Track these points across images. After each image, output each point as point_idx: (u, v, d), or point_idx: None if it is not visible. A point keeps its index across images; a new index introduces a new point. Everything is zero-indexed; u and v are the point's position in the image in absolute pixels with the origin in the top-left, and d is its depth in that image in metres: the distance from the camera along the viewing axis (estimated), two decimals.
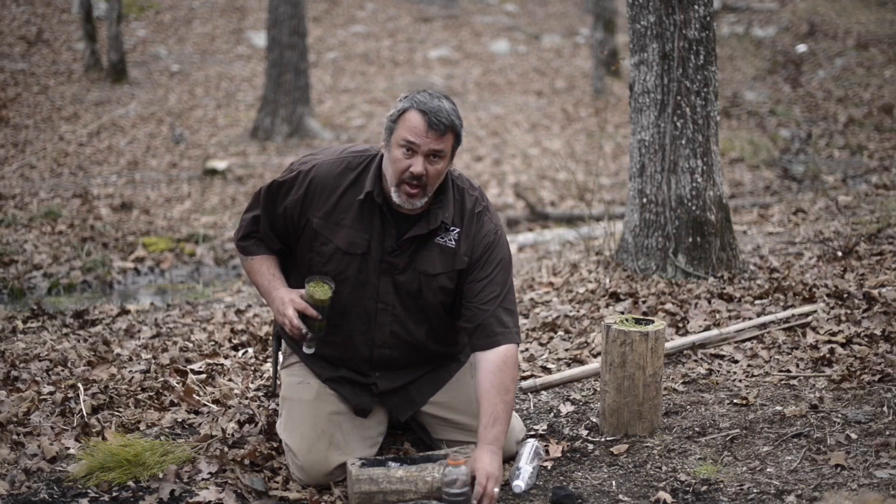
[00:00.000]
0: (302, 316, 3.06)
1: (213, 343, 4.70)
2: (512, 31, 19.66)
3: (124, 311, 5.56)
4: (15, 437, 3.43)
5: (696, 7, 4.80)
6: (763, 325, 4.28)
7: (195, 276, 7.71)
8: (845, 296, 4.52)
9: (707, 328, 4.32)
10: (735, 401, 3.63)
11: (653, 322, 3.43)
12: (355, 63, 17.06)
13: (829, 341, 4.06)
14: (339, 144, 3.85)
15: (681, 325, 4.38)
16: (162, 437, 3.47)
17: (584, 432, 3.51)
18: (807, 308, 4.39)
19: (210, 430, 3.49)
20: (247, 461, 3.26)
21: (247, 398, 3.83)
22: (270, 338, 4.54)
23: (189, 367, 4.22)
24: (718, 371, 3.95)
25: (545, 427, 3.58)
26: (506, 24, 20.17)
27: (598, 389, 3.75)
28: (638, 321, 3.45)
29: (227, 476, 3.19)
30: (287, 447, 3.21)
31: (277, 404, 3.54)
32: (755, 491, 3.00)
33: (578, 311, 4.76)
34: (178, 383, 4.00)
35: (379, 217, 3.12)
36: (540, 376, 3.96)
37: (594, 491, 3.11)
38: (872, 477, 2.99)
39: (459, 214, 3.17)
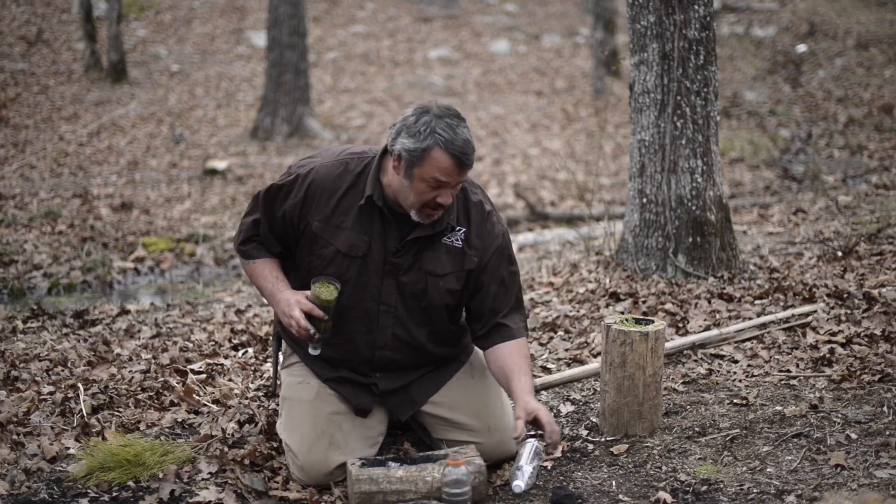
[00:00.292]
0: (308, 317, 3.07)
1: (213, 343, 4.70)
2: (512, 31, 19.65)
3: (124, 311, 5.56)
4: (15, 437, 3.43)
5: (696, 7, 4.80)
6: (763, 325, 4.27)
7: (195, 276, 7.71)
8: (845, 296, 4.52)
9: (707, 328, 4.32)
10: (735, 401, 3.62)
11: (653, 322, 3.43)
12: (355, 63, 17.05)
13: (829, 341, 4.06)
14: (338, 146, 3.84)
15: (681, 325, 4.38)
16: (162, 437, 3.47)
17: (584, 432, 3.51)
18: (807, 308, 4.39)
19: (210, 430, 3.49)
20: (247, 461, 3.26)
21: (247, 398, 3.83)
22: (270, 338, 4.54)
23: (189, 367, 4.22)
24: (718, 371, 3.95)
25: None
26: (506, 24, 20.16)
27: (598, 389, 3.75)
28: (638, 321, 3.44)
29: (227, 476, 3.19)
30: (287, 447, 3.21)
31: (277, 404, 3.54)
32: (755, 491, 3.00)
33: (578, 311, 4.76)
34: (178, 383, 4.00)
35: (379, 219, 3.12)
36: (540, 376, 3.96)
37: (594, 491, 3.10)
38: (872, 477, 2.99)
39: (464, 214, 3.19)
